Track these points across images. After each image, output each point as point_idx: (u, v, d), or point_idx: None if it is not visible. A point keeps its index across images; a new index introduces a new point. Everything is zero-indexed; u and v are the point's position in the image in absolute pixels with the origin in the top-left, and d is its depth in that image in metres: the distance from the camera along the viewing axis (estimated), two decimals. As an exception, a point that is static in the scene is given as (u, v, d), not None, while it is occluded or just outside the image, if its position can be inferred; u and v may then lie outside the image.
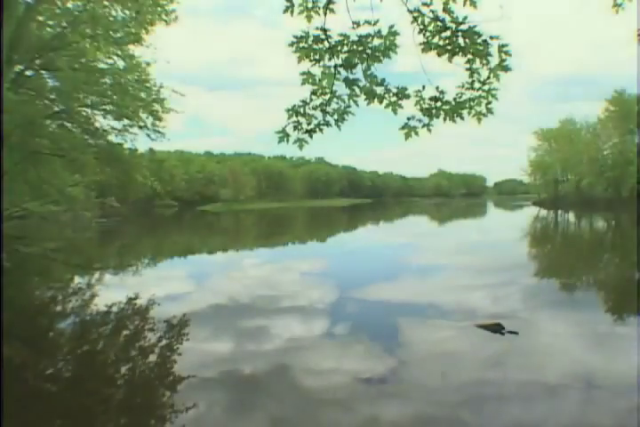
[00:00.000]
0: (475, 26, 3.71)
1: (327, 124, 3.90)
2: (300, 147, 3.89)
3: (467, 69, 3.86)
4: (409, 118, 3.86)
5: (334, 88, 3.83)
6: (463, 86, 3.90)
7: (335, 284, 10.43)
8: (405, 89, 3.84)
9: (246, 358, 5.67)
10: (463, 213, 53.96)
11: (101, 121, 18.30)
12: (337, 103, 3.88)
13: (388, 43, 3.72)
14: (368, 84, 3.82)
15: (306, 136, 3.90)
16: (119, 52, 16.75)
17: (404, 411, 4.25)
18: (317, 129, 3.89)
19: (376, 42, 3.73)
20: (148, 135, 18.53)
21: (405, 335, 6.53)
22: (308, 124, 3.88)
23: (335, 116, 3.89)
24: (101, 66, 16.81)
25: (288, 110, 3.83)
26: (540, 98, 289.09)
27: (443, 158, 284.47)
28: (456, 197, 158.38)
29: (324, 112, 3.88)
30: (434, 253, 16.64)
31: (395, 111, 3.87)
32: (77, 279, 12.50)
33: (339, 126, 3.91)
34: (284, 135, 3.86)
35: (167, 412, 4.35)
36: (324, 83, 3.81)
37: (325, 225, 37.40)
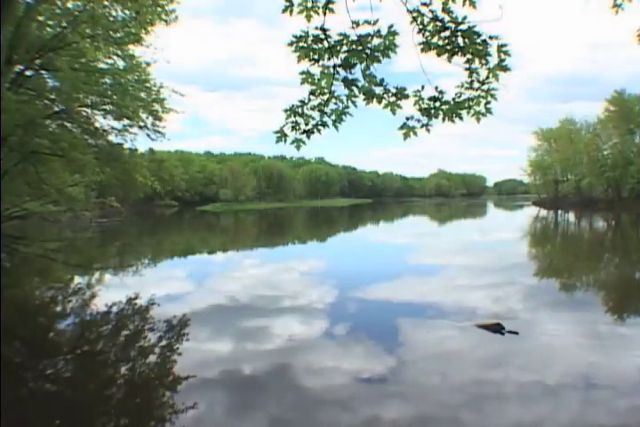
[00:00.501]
0: (474, 26, 3.68)
1: (325, 124, 3.89)
2: (298, 147, 3.87)
3: (466, 69, 3.83)
4: (408, 118, 3.84)
5: (333, 88, 3.82)
6: (462, 86, 3.89)
7: (335, 284, 10.43)
8: (404, 89, 3.83)
9: (246, 357, 5.67)
10: (463, 213, 53.95)
11: (101, 121, 18.27)
12: (335, 104, 3.87)
13: (387, 43, 3.71)
14: (367, 84, 3.81)
15: (303, 137, 3.88)
16: (119, 52, 16.71)
17: (403, 411, 4.24)
18: (315, 130, 3.88)
19: (375, 42, 3.71)
20: (148, 135, 18.49)
21: (405, 335, 6.53)
22: (306, 124, 3.87)
23: (333, 117, 3.88)
24: (101, 66, 16.77)
25: (286, 110, 3.82)
26: (540, 98, 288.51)
27: (443, 158, 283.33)
28: (456, 197, 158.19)
29: (322, 112, 3.86)
30: (434, 253, 16.63)
31: (393, 111, 3.85)
32: (77, 279, 12.50)
33: (336, 127, 3.89)
34: (281, 135, 3.85)
35: (167, 412, 4.35)
36: (323, 83, 3.80)
37: (325, 225, 37.38)
